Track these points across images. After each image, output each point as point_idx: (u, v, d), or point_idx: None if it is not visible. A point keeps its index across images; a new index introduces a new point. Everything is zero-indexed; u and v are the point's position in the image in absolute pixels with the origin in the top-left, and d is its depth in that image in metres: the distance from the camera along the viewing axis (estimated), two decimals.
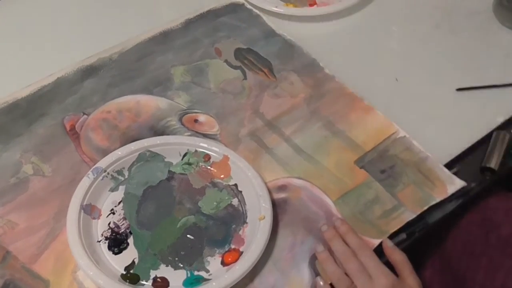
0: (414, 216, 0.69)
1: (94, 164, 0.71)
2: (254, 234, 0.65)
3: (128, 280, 0.63)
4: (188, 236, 0.67)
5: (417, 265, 0.66)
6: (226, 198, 0.70)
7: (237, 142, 0.76)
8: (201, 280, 0.63)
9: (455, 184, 0.72)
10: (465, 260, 0.72)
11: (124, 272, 0.64)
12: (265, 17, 0.93)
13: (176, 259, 0.65)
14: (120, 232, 0.67)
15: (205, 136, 0.77)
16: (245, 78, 0.85)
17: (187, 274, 0.64)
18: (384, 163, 0.74)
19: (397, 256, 0.64)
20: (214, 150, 0.72)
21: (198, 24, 0.92)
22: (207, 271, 0.65)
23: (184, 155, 0.73)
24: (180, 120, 0.79)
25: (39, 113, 0.79)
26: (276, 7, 0.94)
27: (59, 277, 0.64)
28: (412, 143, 0.76)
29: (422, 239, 0.68)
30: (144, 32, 0.90)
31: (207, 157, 0.72)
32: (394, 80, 0.85)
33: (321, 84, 0.83)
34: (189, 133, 0.77)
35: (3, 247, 0.66)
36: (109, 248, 0.66)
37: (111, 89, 0.83)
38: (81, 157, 0.75)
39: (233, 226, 0.68)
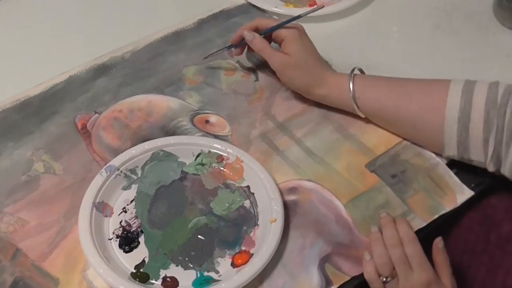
0: (424, 224, 0.69)
1: (105, 163, 0.71)
2: (265, 237, 0.65)
3: (137, 279, 0.63)
4: (199, 236, 0.67)
5: None
6: (238, 199, 0.70)
7: (248, 144, 0.76)
8: (210, 281, 0.63)
9: (465, 193, 0.71)
10: (466, 258, 0.72)
11: (134, 271, 0.64)
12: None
13: (186, 259, 0.65)
14: (132, 230, 0.67)
15: (216, 137, 0.77)
16: (257, 79, 0.85)
17: (196, 274, 0.64)
18: (395, 168, 0.74)
19: (442, 258, 0.65)
20: (228, 151, 0.72)
21: (210, 24, 0.92)
22: (217, 272, 0.65)
23: (198, 156, 0.73)
24: (192, 120, 0.79)
25: (50, 111, 0.80)
26: (276, 7, 0.93)
27: (68, 276, 0.64)
28: (423, 149, 0.76)
29: (423, 238, 0.68)
30: (156, 32, 0.90)
31: (220, 158, 0.72)
32: None
33: None
34: (200, 134, 0.77)
35: (13, 245, 0.66)
36: (120, 246, 0.66)
37: (123, 88, 0.83)
38: (92, 156, 0.75)
39: (244, 228, 0.68)
